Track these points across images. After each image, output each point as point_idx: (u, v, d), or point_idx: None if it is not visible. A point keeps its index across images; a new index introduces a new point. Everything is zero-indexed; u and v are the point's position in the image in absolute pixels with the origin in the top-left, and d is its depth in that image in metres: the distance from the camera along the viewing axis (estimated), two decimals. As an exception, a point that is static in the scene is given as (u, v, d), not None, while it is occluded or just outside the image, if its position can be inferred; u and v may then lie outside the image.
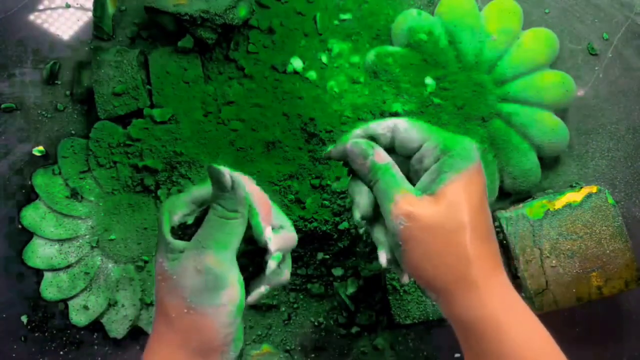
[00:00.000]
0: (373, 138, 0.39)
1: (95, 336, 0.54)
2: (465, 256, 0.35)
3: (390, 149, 0.39)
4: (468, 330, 0.36)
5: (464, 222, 0.35)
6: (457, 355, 0.55)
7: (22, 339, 0.54)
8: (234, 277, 0.36)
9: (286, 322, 0.55)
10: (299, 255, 0.54)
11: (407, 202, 0.36)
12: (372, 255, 0.54)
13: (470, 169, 0.36)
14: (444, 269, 0.36)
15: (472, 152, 0.37)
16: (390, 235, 0.37)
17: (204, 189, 0.39)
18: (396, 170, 0.38)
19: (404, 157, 0.39)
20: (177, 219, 0.38)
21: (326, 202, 0.53)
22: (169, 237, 0.37)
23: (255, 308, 0.55)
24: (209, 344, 0.36)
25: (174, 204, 0.38)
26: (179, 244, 0.36)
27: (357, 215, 0.40)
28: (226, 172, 0.36)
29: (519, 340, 0.35)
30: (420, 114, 0.53)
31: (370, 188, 0.39)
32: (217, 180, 0.36)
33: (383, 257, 0.39)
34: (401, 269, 0.39)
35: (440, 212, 0.35)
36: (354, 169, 0.39)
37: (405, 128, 0.38)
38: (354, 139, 0.39)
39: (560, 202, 0.53)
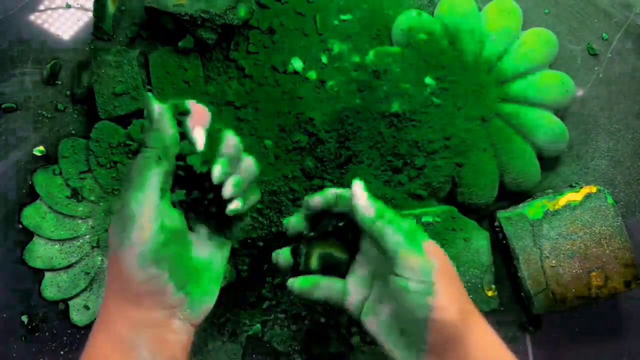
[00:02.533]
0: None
1: (95, 336, 0.54)
2: (466, 295, 0.39)
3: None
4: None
5: (453, 267, 0.39)
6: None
7: (22, 339, 0.54)
8: (147, 218, 0.35)
9: (286, 321, 0.55)
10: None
11: (434, 244, 0.39)
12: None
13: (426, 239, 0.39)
14: (463, 306, 0.38)
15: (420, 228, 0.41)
16: (414, 274, 0.37)
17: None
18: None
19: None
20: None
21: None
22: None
23: (255, 307, 0.55)
24: (129, 289, 0.35)
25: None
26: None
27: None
28: (155, 105, 0.36)
29: None
30: (421, 114, 0.53)
31: (366, 232, 0.40)
32: (145, 109, 0.37)
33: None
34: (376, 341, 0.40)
35: (445, 260, 0.39)
36: (353, 213, 0.40)
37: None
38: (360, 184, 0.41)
39: (560, 202, 0.53)
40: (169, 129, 0.37)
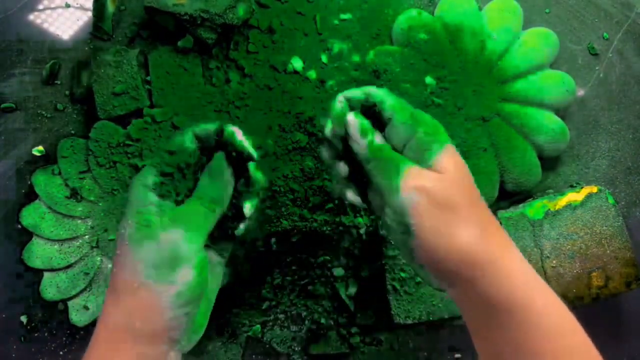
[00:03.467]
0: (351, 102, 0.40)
1: (95, 336, 0.54)
2: (481, 230, 0.34)
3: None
4: (489, 313, 0.34)
5: (474, 195, 0.35)
6: (457, 355, 0.55)
7: (22, 339, 0.54)
8: (195, 261, 0.35)
9: (286, 322, 0.55)
10: (299, 256, 0.54)
11: (417, 176, 0.34)
12: (371, 255, 0.54)
13: (447, 142, 0.36)
14: (459, 247, 0.33)
15: (441, 126, 0.37)
16: (395, 216, 0.35)
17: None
18: (391, 147, 0.38)
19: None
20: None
21: (326, 203, 0.53)
22: (145, 207, 0.36)
23: (255, 308, 0.55)
24: (152, 326, 0.34)
25: (146, 174, 0.37)
26: (151, 218, 0.35)
27: (328, 127, 0.40)
28: (224, 162, 0.38)
29: (548, 326, 0.33)
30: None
31: (364, 167, 0.38)
32: (215, 162, 0.38)
33: (350, 195, 0.40)
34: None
35: (448, 185, 0.34)
36: (351, 146, 0.39)
37: (380, 99, 0.39)
38: (354, 117, 0.38)
39: (560, 202, 0.53)
40: (231, 186, 0.39)
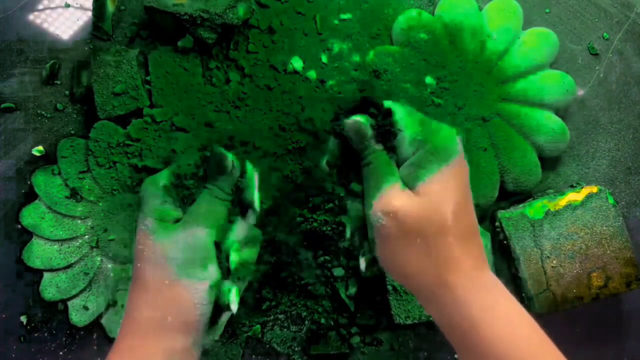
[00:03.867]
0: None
1: (95, 336, 0.54)
2: (444, 260, 0.34)
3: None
4: (449, 329, 0.36)
5: (445, 225, 0.34)
6: (457, 355, 0.55)
7: (22, 339, 0.53)
8: (219, 254, 0.37)
9: (286, 322, 0.55)
10: (299, 257, 0.54)
11: (393, 198, 0.34)
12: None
13: (452, 163, 0.35)
14: (421, 271, 0.34)
15: (453, 144, 0.35)
16: (368, 226, 0.37)
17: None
18: (388, 157, 0.37)
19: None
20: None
21: (326, 203, 0.52)
22: (162, 205, 0.37)
23: (255, 308, 0.55)
24: (185, 319, 0.35)
25: (158, 179, 0.39)
26: (172, 213, 0.37)
27: (323, 161, 0.41)
28: (228, 156, 0.38)
29: (501, 342, 0.33)
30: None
31: (362, 167, 0.39)
32: (219, 164, 0.38)
33: (362, 263, 0.39)
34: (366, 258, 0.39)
35: (421, 212, 0.34)
36: (353, 145, 0.39)
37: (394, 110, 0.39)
38: (355, 117, 0.39)
39: (561, 202, 0.53)
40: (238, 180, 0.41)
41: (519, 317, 0.35)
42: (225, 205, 0.38)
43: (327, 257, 0.54)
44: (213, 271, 0.36)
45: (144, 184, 0.39)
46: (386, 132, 0.39)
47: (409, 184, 0.35)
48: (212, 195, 0.38)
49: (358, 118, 0.39)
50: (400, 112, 0.38)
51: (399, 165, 0.37)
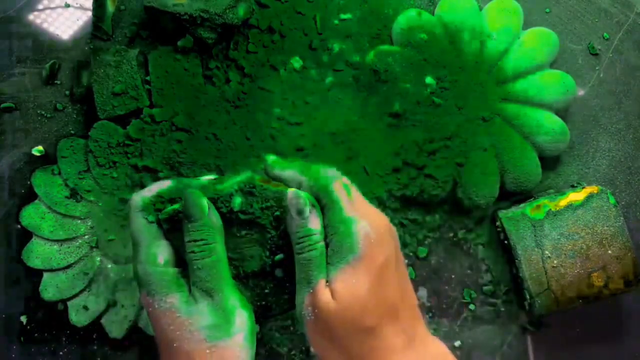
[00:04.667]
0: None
1: (94, 336, 0.54)
2: (366, 351, 0.35)
3: None
4: None
5: (360, 322, 0.34)
6: (457, 354, 0.55)
7: (22, 339, 0.53)
8: (236, 301, 0.36)
9: (286, 323, 0.55)
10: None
11: (317, 295, 0.35)
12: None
13: (353, 261, 0.34)
14: None
15: (350, 241, 0.35)
16: (298, 317, 0.37)
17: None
18: (324, 250, 0.36)
19: None
20: (161, 259, 0.37)
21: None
22: (173, 278, 0.36)
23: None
24: None
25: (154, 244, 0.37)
26: (184, 287, 0.36)
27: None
28: (204, 201, 0.36)
29: None
30: (421, 114, 0.53)
31: (295, 253, 0.37)
32: (189, 210, 0.36)
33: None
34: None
35: (337, 310, 0.34)
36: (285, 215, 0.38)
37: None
38: (294, 191, 0.36)
39: (561, 202, 0.53)
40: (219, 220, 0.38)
41: None
42: (218, 251, 0.37)
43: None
44: (241, 320, 0.36)
45: (139, 266, 0.37)
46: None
47: (327, 280, 0.35)
48: (211, 253, 0.37)
49: (296, 193, 0.36)
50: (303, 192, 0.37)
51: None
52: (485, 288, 0.55)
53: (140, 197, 0.38)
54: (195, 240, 0.36)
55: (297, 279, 0.36)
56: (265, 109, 0.54)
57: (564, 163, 0.57)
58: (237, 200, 0.38)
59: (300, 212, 0.36)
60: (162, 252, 0.37)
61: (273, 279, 0.39)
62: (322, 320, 0.35)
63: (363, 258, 0.34)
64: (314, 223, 0.36)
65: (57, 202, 0.53)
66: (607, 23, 0.58)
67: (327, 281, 0.35)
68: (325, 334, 0.35)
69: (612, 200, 0.52)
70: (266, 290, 0.39)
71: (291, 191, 0.36)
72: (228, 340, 0.35)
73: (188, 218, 0.36)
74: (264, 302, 0.40)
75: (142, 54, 0.54)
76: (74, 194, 0.53)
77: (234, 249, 0.39)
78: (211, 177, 0.40)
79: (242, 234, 0.38)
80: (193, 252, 0.36)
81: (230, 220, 0.38)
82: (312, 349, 0.37)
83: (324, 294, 0.35)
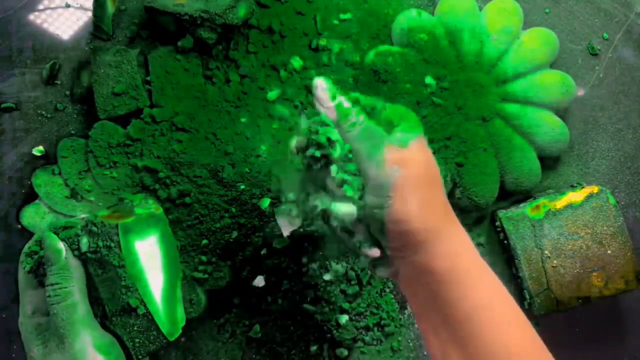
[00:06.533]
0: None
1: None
2: (443, 203, 0.38)
3: None
4: (442, 279, 0.36)
5: (437, 172, 0.38)
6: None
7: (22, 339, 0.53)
8: (88, 345, 0.38)
9: (286, 322, 0.55)
10: (299, 259, 0.54)
11: (397, 149, 0.36)
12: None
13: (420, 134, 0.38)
14: (427, 217, 0.36)
15: (418, 121, 0.38)
16: (374, 189, 0.36)
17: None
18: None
19: None
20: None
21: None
22: (40, 334, 0.39)
23: (255, 308, 0.55)
24: None
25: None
26: (45, 338, 0.39)
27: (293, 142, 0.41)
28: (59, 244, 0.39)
29: (486, 288, 0.38)
30: (421, 114, 0.53)
31: (346, 133, 0.38)
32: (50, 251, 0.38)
33: (376, 252, 0.39)
34: (368, 243, 0.39)
35: (422, 161, 0.36)
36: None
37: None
38: (321, 78, 0.38)
39: (561, 202, 0.53)
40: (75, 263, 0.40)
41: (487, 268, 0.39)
42: (72, 296, 0.39)
43: (326, 257, 0.54)
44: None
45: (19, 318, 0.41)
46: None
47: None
48: (67, 303, 0.39)
49: (322, 79, 0.38)
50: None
51: None
52: None
53: (26, 247, 0.40)
54: (52, 284, 0.38)
55: (363, 154, 0.37)
56: (265, 109, 0.54)
57: (563, 163, 0.57)
58: (83, 240, 0.39)
59: (333, 96, 0.38)
60: (30, 301, 0.39)
61: (136, 316, 0.40)
62: (413, 168, 0.36)
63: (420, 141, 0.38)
64: (345, 102, 0.38)
65: (58, 202, 0.53)
66: (606, 23, 0.58)
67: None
68: (414, 190, 0.36)
69: (611, 200, 0.52)
70: (135, 328, 0.41)
71: (319, 81, 0.38)
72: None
73: (46, 262, 0.38)
74: (137, 340, 0.41)
75: (142, 54, 0.54)
76: (74, 194, 0.53)
77: (97, 289, 0.40)
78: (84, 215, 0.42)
79: (98, 273, 0.40)
80: (49, 296, 0.37)
81: (85, 260, 0.40)
82: (387, 216, 0.36)
83: (405, 149, 0.36)
